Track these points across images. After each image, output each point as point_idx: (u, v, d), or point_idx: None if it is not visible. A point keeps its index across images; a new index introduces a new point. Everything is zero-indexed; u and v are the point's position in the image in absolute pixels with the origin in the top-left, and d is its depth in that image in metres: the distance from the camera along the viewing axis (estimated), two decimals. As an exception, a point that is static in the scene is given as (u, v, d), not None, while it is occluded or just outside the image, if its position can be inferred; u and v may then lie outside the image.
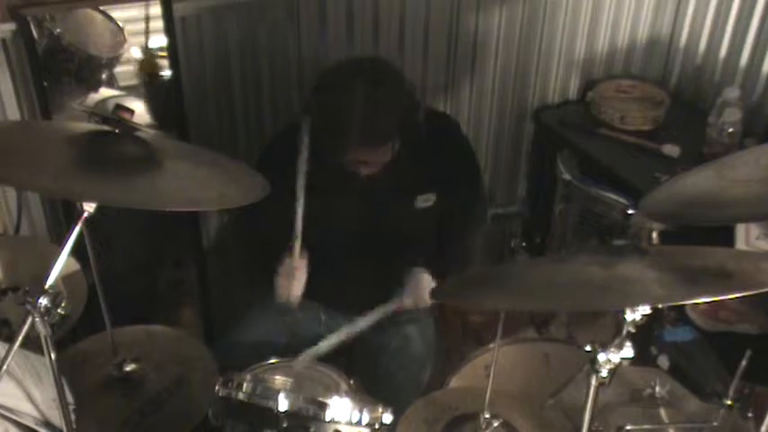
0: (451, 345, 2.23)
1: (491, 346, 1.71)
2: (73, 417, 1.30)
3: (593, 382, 1.18)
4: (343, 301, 1.99)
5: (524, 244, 2.79)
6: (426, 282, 1.87)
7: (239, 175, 1.47)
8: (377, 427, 1.37)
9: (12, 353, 1.15)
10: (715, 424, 1.48)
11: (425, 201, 1.91)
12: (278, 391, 1.34)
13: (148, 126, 1.96)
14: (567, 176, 2.58)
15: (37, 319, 1.15)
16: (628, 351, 1.16)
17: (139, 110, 2.09)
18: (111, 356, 1.61)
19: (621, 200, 2.40)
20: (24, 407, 1.32)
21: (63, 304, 1.17)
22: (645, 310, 1.13)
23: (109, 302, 1.55)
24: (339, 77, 1.74)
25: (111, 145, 1.32)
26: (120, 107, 1.34)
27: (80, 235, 1.22)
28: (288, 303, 1.83)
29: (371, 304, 1.99)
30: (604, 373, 1.16)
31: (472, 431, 1.49)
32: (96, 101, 2.06)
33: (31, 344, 1.23)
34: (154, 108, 2.15)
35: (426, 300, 1.86)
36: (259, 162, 1.93)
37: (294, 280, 1.80)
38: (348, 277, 1.93)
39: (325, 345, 1.74)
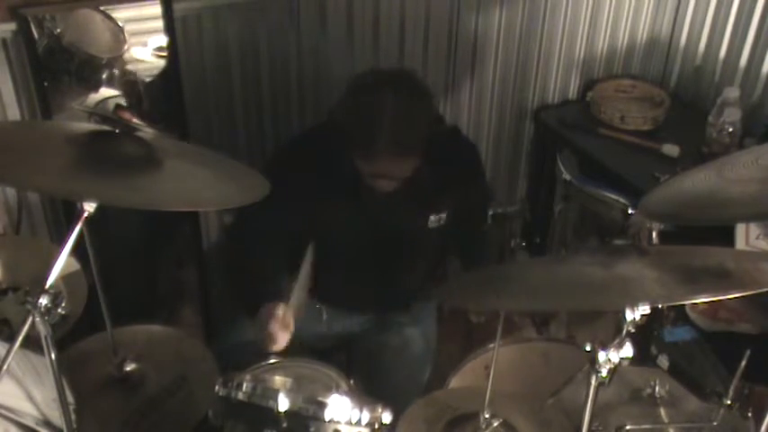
0: (451, 345, 2.23)
1: (491, 346, 1.71)
2: (73, 417, 1.30)
3: (593, 381, 1.18)
4: (345, 302, 2.02)
5: (524, 244, 2.78)
6: None
7: (239, 175, 1.47)
8: (376, 426, 1.37)
9: (12, 353, 1.15)
10: (715, 424, 1.47)
11: (438, 221, 1.91)
12: (278, 391, 1.34)
13: (148, 126, 1.96)
14: (567, 176, 2.58)
15: (37, 319, 1.15)
16: (628, 351, 1.15)
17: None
18: (111, 356, 1.60)
19: (621, 200, 2.40)
20: (25, 407, 1.32)
21: (63, 304, 1.17)
22: (645, 309, 1.12)
23: (109, 302, 1.55)
24: (370, 87, 1.72)
25: (111, 145, 1.32)
26: (120, 107, 1.34)
27: (80, 235, 1.22)
28: (269, 350, 1.71)
29: (373, 304, 2.01)
30: (604, 372, 1.16)
31: (472, 431, 1.49)
32: (96, 101, 2.06)
33: (32, 344, 1.23)
34: (154, 108, 2.15)
35: None
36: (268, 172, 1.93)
37: (284, 333, 1.71)
38: (353, 280, 1.95)
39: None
